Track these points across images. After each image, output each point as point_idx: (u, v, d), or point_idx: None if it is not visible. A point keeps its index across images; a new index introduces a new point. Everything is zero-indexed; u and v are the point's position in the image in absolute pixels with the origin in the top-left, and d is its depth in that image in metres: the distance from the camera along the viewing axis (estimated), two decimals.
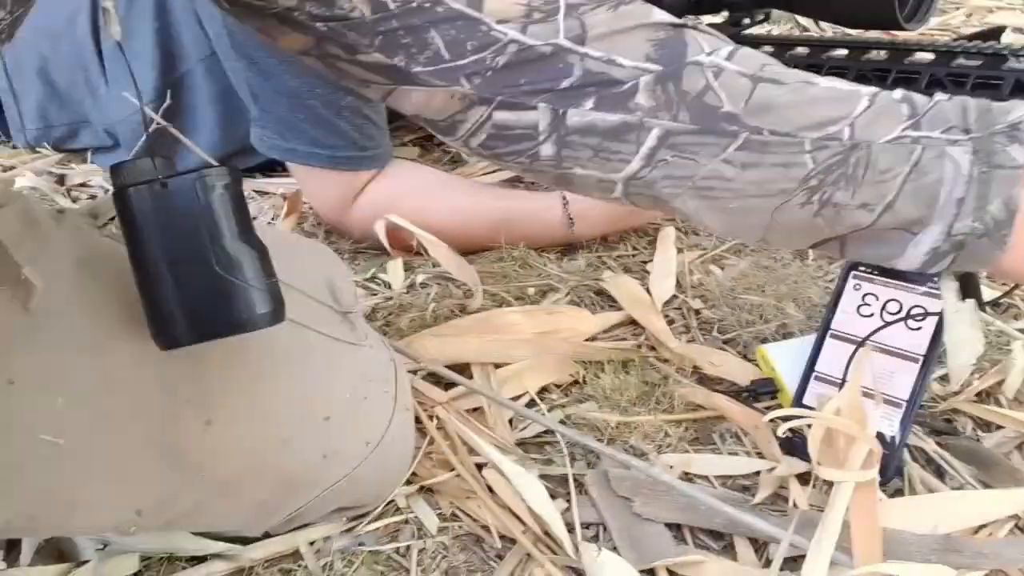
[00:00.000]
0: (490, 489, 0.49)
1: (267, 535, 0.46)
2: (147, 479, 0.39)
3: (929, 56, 0.63)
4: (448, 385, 0.57)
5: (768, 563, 0.43)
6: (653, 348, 0.62)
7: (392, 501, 0.49)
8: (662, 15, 0.40)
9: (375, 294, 0.70)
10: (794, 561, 0.43)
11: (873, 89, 0.39)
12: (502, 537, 0.47)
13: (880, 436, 0.48)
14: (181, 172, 0.34)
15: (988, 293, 0.60)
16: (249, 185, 0.88)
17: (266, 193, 0.87)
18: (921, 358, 0.49)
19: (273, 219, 0.83)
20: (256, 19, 0.40)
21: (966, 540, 0.43)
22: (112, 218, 0.45)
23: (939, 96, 0.38)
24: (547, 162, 0.41)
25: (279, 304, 0.36)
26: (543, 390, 0.58)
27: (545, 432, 0.54)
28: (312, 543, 0.46)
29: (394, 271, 0.71)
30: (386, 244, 0.68)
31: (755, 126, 0.38)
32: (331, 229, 0.79)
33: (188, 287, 0.34)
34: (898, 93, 0.38)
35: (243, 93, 0.73)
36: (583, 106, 0.39)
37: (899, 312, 0.50)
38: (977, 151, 0.36)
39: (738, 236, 0.42)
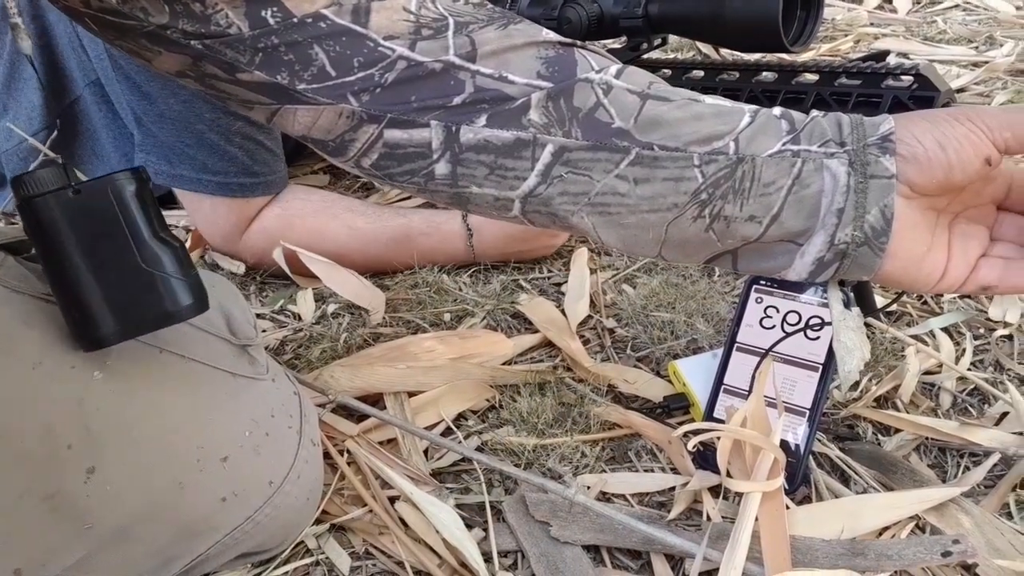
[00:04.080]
0: (404, 523, 0.48)
1: None
2: (26, 533, 0.36)
3: (814, 77, 0.67)
4: (360, 417, 0.55)
5: None
6: (569, 369, 0.62)
7: (301, 543, 0.47)
8: (551, 35, 0.41)
9: (284, 326, 0.68)
10: (709, 574, 0.43)
11: (754, 106, 0.40)
12: (417, 572, 0.45)
13: (785, 444, 0.49)
14: (90, 179, 0.35)
15: (881, 302, 0.63)
16: None
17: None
18: (821, 366, 0.50)
19: None
20: (127, 39, 0.38)
21: (871, 543, 0.44)
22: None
23: (815, 113, 0.40)
24: (442, 181, 0.40)
25: (202, 295, 0.38)
26: (459, 417, 0.57)
27: (462, 460, 0.53)
28: None
29: (303, 302, 0.69)
30: (288, 272, 0.66)
31: (646, 142, 0.38)
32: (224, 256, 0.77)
33: (114, 286, 0.35)
34: (777, 110, 0.40)
35: (127, 118, 0.71)
36: (476, 123, 0.39)
37: (798, 323, 0.52)
38: (853, 163, 0.37)
39: (635, 252, 0.42)
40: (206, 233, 0.74)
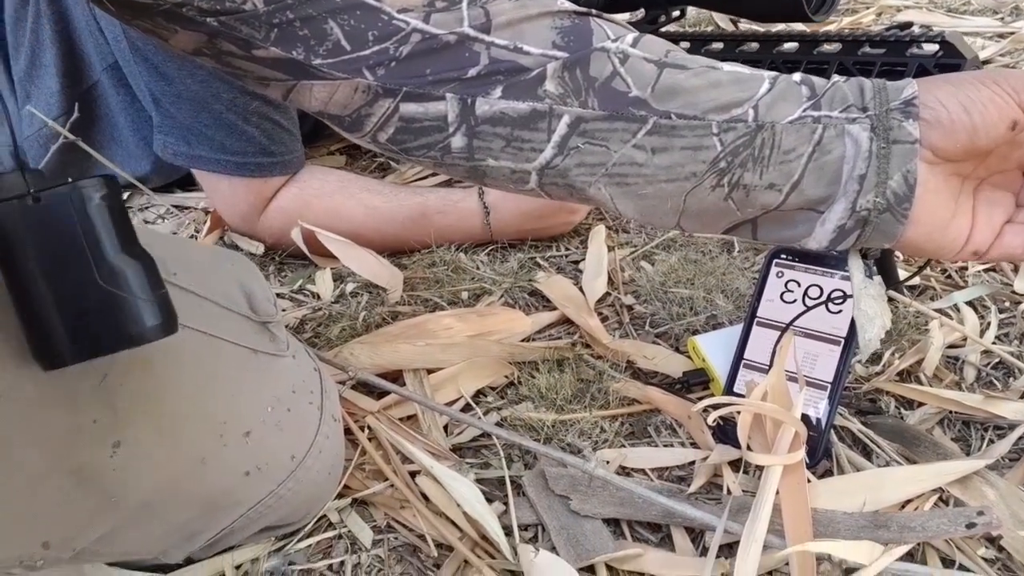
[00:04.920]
0: (425, 497, 0.48)
1: (189, 561, 0.44)
2: (53, 508, 0.36)
3: (836, 46, 0.65)
4: (380, 394, 0.55)
5: (705, 551, 0.43)
6: (587, 345, 0.61)
7: (324, 516, 0.48)
8: (566, 4, 0.40)
9: (303, 305, 0.68)
10: (730, 548, 0.43)
11: (773, 73, 0.39)
12: (439, 545, 0.46)
13: (807, 419, 0.48)
14: (53, 185, 0.32)
15: (904, 276, 0.62)
16: (168, 200, 0.85)
17: (186, 208, 0.84)
18: (842, 340, 0.50)
19: (195, 234, 0.80)
20: (143, 19, 0.38)
21: (893, 515, 0.44)
22: None
23: (836, 78, 0.39)
24: (459, 155, 0.40)
25: (170, 316, 0.35)
26: (478, 393, 0.57)
27: (481, 435, 0.54)
28: (239, 566, 0.44)
29: (322, 281, 0.69)
30: (306, 252, 0.66)
31: (663, 110, 0.38)
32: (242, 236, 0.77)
33: (71, 303, 0.32)
34: (797, 76, 0.39)
35: (144, 99, 0.71)
36: (491, 95, 0.38)
37: (820, 296, 0.51)
38: (875, 128, 0.36)
39: (654, 223, 0.42)
40: (225, 214, 0.74)
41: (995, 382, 0.55)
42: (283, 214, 0.71)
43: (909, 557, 0.43)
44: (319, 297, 0.69)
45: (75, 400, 0.36)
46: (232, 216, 0.74)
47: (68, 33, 0.76)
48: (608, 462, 0.50)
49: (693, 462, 0.50)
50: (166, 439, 0.39)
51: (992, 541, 0.44)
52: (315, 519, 0.47)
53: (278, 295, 0.70)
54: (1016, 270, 0.65)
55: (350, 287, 0.70)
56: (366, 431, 0.52)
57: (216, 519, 0.42)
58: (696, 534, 0.46)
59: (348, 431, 0.52)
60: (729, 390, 0.52)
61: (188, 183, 0.83)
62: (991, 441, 0.51)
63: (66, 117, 0.75)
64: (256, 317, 0.44)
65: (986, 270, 0.67)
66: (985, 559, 0.43)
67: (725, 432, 0.50)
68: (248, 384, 0.42)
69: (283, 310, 0.67)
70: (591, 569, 0.44)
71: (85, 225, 0.32)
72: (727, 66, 0.39)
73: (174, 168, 0.75)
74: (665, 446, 0.52)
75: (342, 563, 0.45)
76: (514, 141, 0.39)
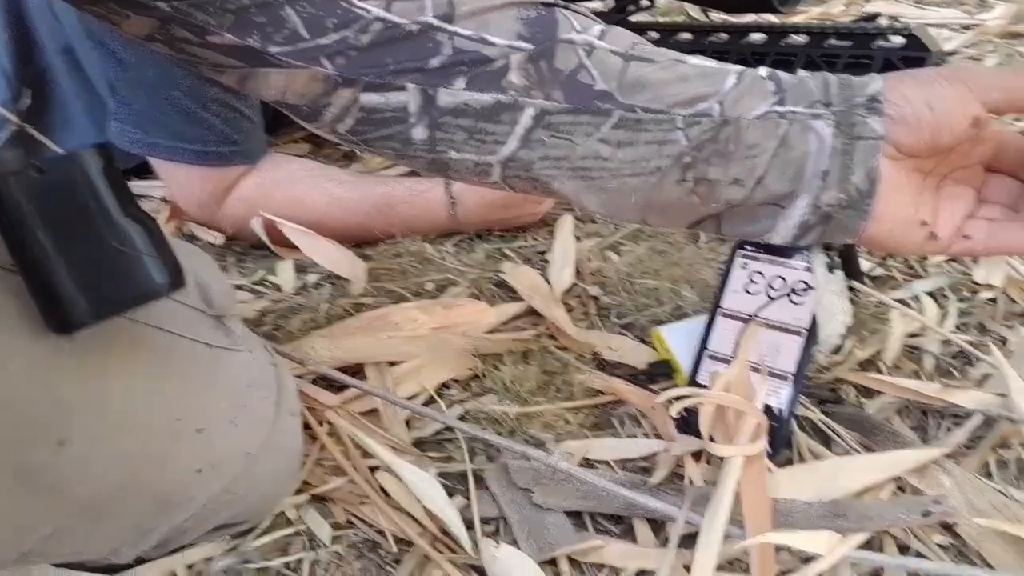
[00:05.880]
0: (385, 492, 0.48)
1: (140, 561, 0.43)
2: None
3: (804, 38, 0.65)
4: (340, 388, 0.54)
5: (667, 542, 0.43)
6: (553, 337, 0.61)
7: (281, 513, 0.47)
8: None
9: (263, 297, 0.67)
10: (691, 538, 0.43)
11: (740, 67, 0.39)
12: (399, 541, 0.45)
13: (768, 409, 0.48)
14: (53, 157, 0.34)
15: (867, 267, 0.63)
16: None
17: (143, 197, 0.82)
18: (805, 331, 0.50)
19: None
20: (97, 3, 0.36)
21: (851, 504, 0.44)
22: None
23: (802, 73, 0.39)
24: (420, 147, 0.39)
25: (178, 272, 0.36)
26: (442, 386, 0.57)
27: (445, 429, 0.53)
28: (191, 566, 0.43)
29: (284, 272, 0.68)
30: (267, 242, 0.65)
31: (629, 104, 0.37)
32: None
33: (84, 267, 0.34)
34: (764, 70, 0.39)
35: (99, 85, 0.69)
36: (454, 86, 0.38)
37: (783, 288, 0.51)
38: (839, 124, 0.36)
39: (618, 218, 0.42)
40: (183, 203, 0.72)
41: (953, 371, 0.56)
42: (244, 204, 0.70)
43: (867, 545, 0.44)
44: (280, 289, 0.68)
45: (18, 398, 0.35)
46: (191, 206, 0.72)
47: (20, 14, 0.73)
48: (571, 454, 0.50)
49: (656, 453, 0.50)
50: (115, 437, 0.38)
51: (948, 528, 0.45)
52: (272, 516, 0.46)
53: (238, 286, 0.68)
54: (976, 260, 0.66)
55: (312, 278, 0.68)
56: (325, 426, 0.52)
57: (168, 517, 0.41)
58: (658, 525, 0.46)
59: (307, 426, 0.51)
60: (693, 381, 0.52)
61: (145, 171, 0.80)
62: (948, 429, 0.51)
63: (15, 101, 0.73)
64: (211, 311, 0.43)
65: (947, 260, 0.67)
66: (940, 546, 0.44)
67: (688, 423, 0.50)
68: (202, 380, 0.41)
69: (243, 302, 0.66)
70: (553, 562, 0.44)
71: (92, 191, 0.34)
72: (694, 59, 0.39)
73: (130, 156, 0.73)
74: (629, 437, 0.52)
75: (299, 560, 0.44)
76: (477, 133, 0.39)
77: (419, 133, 0.39)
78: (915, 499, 0.44)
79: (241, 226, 0.70)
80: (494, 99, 0.38)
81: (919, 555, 0.43)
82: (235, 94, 0.67)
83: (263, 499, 0.44)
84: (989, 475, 0.48)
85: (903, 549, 0.44)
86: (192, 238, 0.74)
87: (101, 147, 0.35)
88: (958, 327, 0.60)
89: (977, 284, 0.64)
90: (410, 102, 0.38)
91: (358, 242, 0.72)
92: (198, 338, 0.42)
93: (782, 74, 0.39)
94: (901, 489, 0.47)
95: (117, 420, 0.38)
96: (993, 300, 0.62)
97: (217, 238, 0.73)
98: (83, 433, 0.37)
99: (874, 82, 0.37)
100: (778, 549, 0.42)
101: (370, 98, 0.38)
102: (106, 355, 0.38)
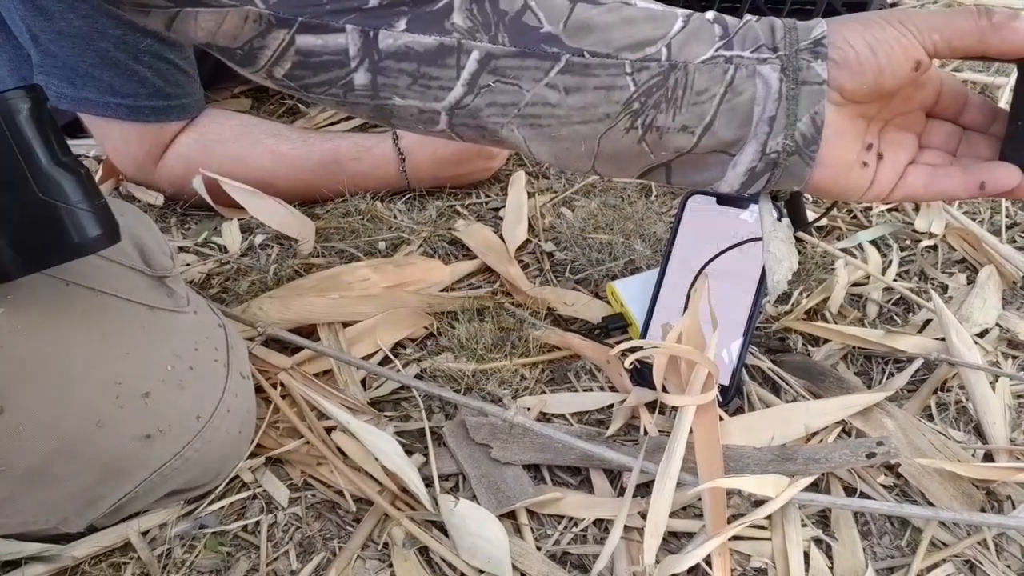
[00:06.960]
0: (342, 452, 0.47)
1: (92, 529, 0.42)
2: None
3: None
4: (293, 350, 0.53)
5: (623, 491, 0.44)
6: (508, 294, 0.61)
7: (236, 477, 0.46)
8: None
9: (209, 259, 0.65)
10: (647, 487, 0.44)
11: (686, 11, 0.38)
12: (357, 500, 0.45)
13: (719, 359, 0.49)
14: None
15: (812, 216, 0.64)
16: None
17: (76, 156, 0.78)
18: (754, 281, 0.51)
19: None
20: None
21: (799, 448, 0.46)
22: None
23: (748, 17, 0.38)
24: (362, 92, 0.38)
25: (112, 226, 0.35)
26: (397, 345, 0.56)
27: (401, 388, 0.53)
28: (145, 532, 0.42)
29: (229, 233, 0.66)
30: (210, 202, 0.62)
31: (576, 48, 0.37)
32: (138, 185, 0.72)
33: (11, 217, 0.32)
34: (710, 14, 0.38)
35: (22, 36, 0.64)
36: (395, 27, 0.36)
37: (733, 239, 0.52)
38: (785, 69, 0.36)
39: (568, 167, 0.41)
40: (118, 162, 0.69)
41: (895, 318, 0.58)
42: (182, 162, 0.67)
43: (814, 487, 0.45)
44: (226, 250, 0.65)
45: None
46: (126, 164, 0.69)
47: None
48: (528, 409, 0.50)
49: (611, 405, 0.51)
50: (55, 403, 0.36)
51: (891, 469, 0.46)
52: (227, 480, 0.45)
53: (181, 248, 0.66)
54: (916, 209, 0.68)
55: (259, 239, 0.66)
56: (279, 388, 0.51)
57: (118, 484, 0.40)
58: (615, 475, 0.47)
59: (260, 389, 0.50)
60: (645, 333, 0.53)
61: (77, 129, 0.76)
62: (891, 374, 0.53)
63: None
64: (150, 271, 0.42)
65: (889, 210, 0.69)
66: (885, 486, 0.46)
67: (642, 375, 0.51)
68: (144, 342, 0.40)
69: (187, 264, 0.63)
70: (512, 515, 0.44)
71: (16, 137, 0.32)
72: (640, 2, 0.38)
73: (59, 112, 0.69)
74: (585, 391, 0.52)
75: (257, 523, 0.44)
76: (421, 78, 0.37)
77: (360, 78, 0.38)
78: (860, 442, 0.45)
79: (181, 185, 0.68)
80: (437, 41, 0.37)
81: (864, 495, 0.45)
82: (169, 45, 0.64)
83: (217, 463, 0.43)
84: (930, 417, 0.50)
85: (849, 491, 0.45)
86: (131, 199, 0.71)
87: (30, 89, 0.33)
88: (900, 275, 0.62)
89: (918, 232, 0.66)
90: (349, 44, 0.37)
91: (305, 201, 0.70)
92: (137, 299, 0.40)
93: (728, 18, 0.39)
94: (847, 432, 0.48)
95: (55, 386, 0.36)
96: (933, 248, 0.64)
97: (157, 198, 0.70)
98: (20, 400, 0.35)
99: (818, 26, 0.37)
100: (730, 494, 0.43)
101: (307, 40, 0.37)
102: (39, 319, 0.37)
